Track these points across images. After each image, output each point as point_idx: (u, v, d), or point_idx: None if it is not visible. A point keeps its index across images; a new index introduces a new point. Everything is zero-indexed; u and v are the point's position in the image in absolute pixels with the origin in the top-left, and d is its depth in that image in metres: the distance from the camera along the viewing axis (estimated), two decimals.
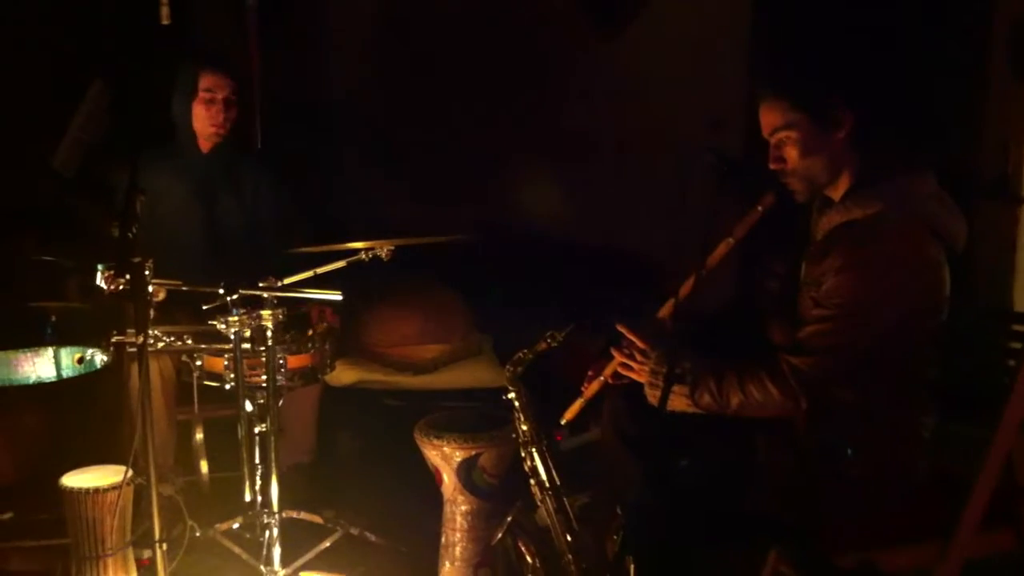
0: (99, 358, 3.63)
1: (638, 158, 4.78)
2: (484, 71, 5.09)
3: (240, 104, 3.79)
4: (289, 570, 3.06)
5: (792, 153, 2.56)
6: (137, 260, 2.64)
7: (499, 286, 4.47)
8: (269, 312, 2.99)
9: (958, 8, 3.89)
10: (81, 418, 3.62)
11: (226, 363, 3.17)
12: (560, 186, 4.94)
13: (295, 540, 3.21)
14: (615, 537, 2.46)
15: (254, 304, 3.00)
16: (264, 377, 3.07)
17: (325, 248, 3.27)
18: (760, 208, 2.62)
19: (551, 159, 4.98)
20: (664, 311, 2.75)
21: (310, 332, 3.27)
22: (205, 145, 3.79)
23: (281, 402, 3.18)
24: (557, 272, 4.65)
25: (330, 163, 5.20)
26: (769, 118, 2.59)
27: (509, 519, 2.68)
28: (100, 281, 2.85)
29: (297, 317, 3.20)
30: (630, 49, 4.86)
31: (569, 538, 2.61)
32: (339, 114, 5.30)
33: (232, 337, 3.00)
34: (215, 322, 2.99)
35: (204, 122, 3.73)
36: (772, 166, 2.60)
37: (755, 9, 4.51)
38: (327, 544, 3.29)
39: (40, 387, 3.62)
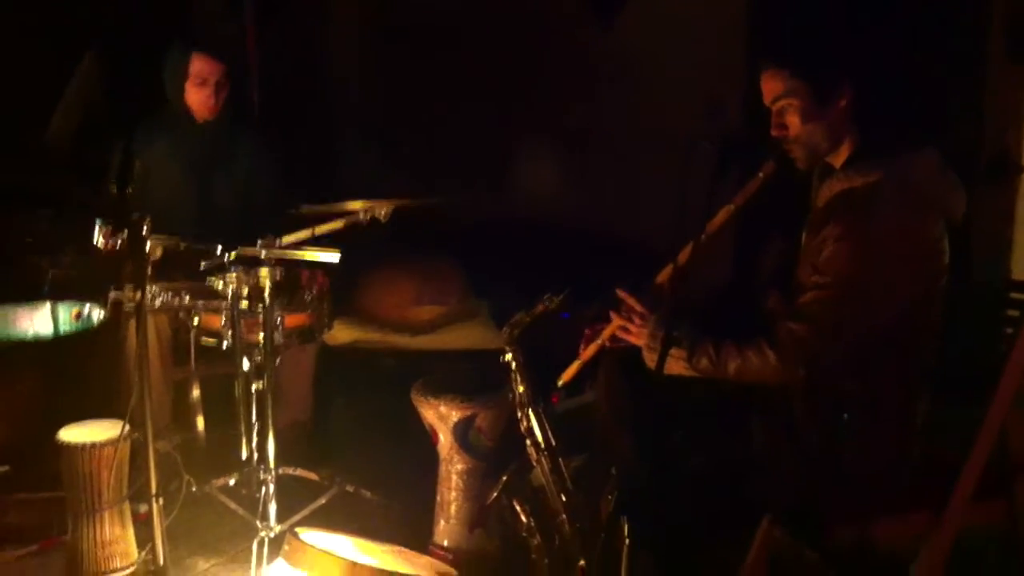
0: (96, 314, 3.64)
1: (636, 141, 4.77)
2: (483, 54, 5.08)
3: (232, 81, 3.76)
4: (284, 526, 3.08)
5: (794, 120, 2.56)
6: (135, 217, 2.64)
7: (498, 262, 4.47)
8: (266, 271, 2.99)
9: None
10: (78, 374, 3.63)
11: (223, 321, 3.17)
12: (558, 170, 4.93)
13: (291, 497, 3.23)
14: (609, 497, 2.48)
15: (252, 263, 3.00)
16: (261, 336, 3.08)
17: (324, 208, 3.27)
18: (761, 175, 2.62)
19: (550, 142, 4.97)
20: (663, 276, 2.76)
21: (301, 292, 3.27)
22: (199, 118, 3.77)
23: (278, 360, 3.19)
24: (553, 253, 4.65)
25: (327, 143, 5.19)
26: (770, 86, 2.59)
27: (504, 479, 2.70)
28: (98, 238, 2.85)
29: (287, 277, 3.19)
30: (628, 30, 4.84)
31: (564, 498, 2.62)
32: (336, 95, 5.29)
33: (229, 296, 3.01)
34: (212, 280, 3.00)
35: (197, 104, 3.72)
36: (774, 133, 2.59)
37: None
38: (323, 501, 3.31)
39: (38, 343, 3.63)
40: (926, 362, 2.58)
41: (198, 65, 3.67)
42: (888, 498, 2.52)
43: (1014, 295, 2.51)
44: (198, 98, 3.70)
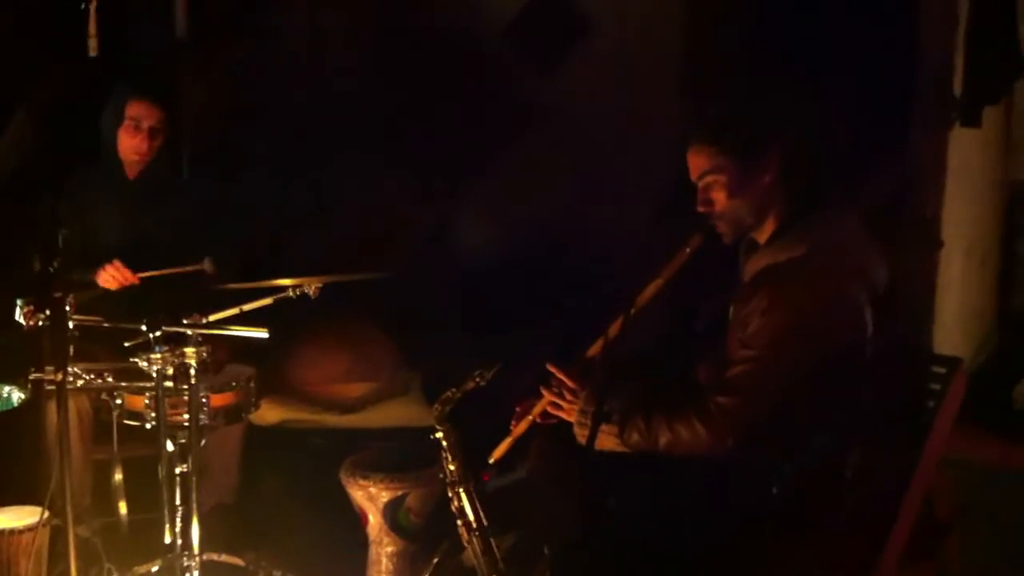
0: (16, 395, 3.54)
1: (574, 191, 4.79)
2: (416, 106, 5.09)
3: (167, 132, 3.78)
4: None
5: (719, 196, 2.60)
6: (58, 295, 2.59)
7: (429, 324, 4.45)
8: (192, 349, 2.94)
9: (883, 56, 3.99)
10: None
11: (147, 401, 3.11)
12: (492, 220, 4.93)
13: None
14: None
15: (177, 341, 2.95)
16: (186, 416, 3.02)
17: (252, 285, 3.24)
18: (688, 249, 2.65)
19: (485, 188, 4.97)
20: (593, 350, 2.76)
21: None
22: (131, 172, 3.78)
23: (203, 441, 3.13)
24: (487, 309, 4.63)
25: (262, 191, 5.14)
26: (697, 162, 2.63)
27: (435, 560, 2.66)
28: (19, 316, 2.78)
29: None
30: (566, 79, 4.88)
31: None
32: (268, 149, 5.25)
33: (154, 375, 2.95)
34: (136, 359, 2.94)
35: (127, 149, 3.73)
36: (700, 209, 2.63)
37: (686, 54, 4.57)
38: None
39: None
40: (850, 414, 2.59)
41: (135, 108, 3.69)
42: (817, 546, 2.52)
43: (936, 369, 2.56)
44: (131, 143, 3.70)
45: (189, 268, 3.61)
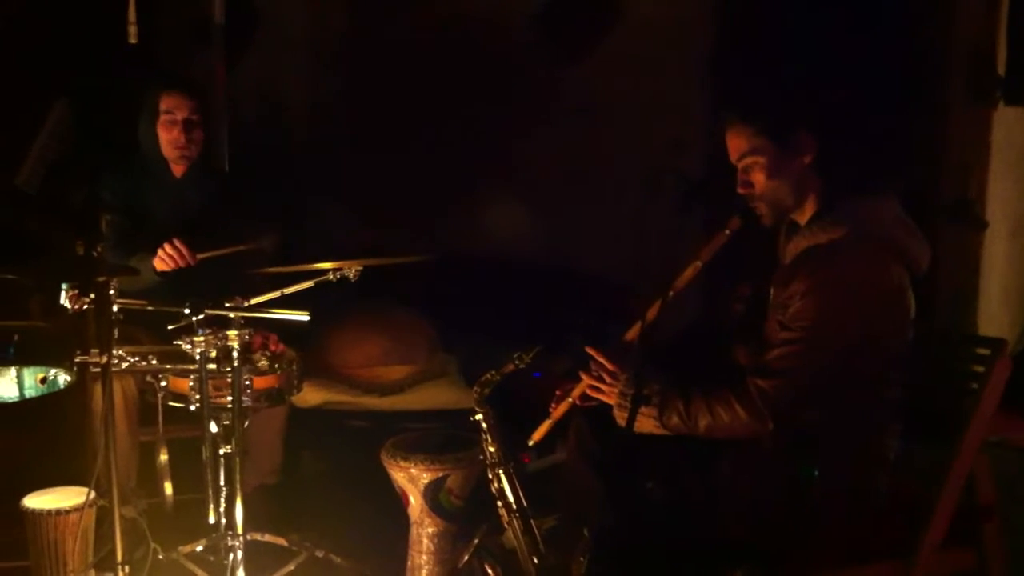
0: (62, 378, 3.59)
1: (599, 180, 4.79)
2: (445, 95, 5.10)
3: (206, 124, 3.76)
4: None
5: (759, 177, 2.59)
6: (102, 279, 2.62)
7: (464, 308, 4.46)
8: (235, 332, 2.97)
9: (917, 35, 3.95)
10: (44, 439, 3.58)
11: (191, 384, 3.14)
12: (522, 209, 4.95)
13: (259, 562, 3.18)
14: (581, 559, 2.46)
15: (220, 324, 2.98)
16: (230, 398, 3.05)
17: (293, 268, 3.26)
18: (727, 231, 2.64)
19: (513, 182, 4.99)
20: (631, 333, 2.76)
21: (252, 357, 3.24)
22: (177, 170, 3.76)
23: (247, 423, 3.16)
24: (520, 295, 4.65)
25: (291, 186, 5.17)
26: (736, 143, 2.62)
27: (475, 541, 2.67)
28: (64, 300, 2.82)
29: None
30: (591, 73, 4.88)
31: (535, 561, 2.60)
32: (298, 138, 5.28)
33: (198, 358, 2.98)
34: (180, 342, 2.97)
35: (168, 145, 3.70)
36: (740, 190, 2.63)
37: (718, 35, 4.55)
38: (292, 567, 3.26)
39: (2, 407, 3.58)
40: (892, 396, 2.59)
41: (167, 101, 3.67)
42: (855, 530, 2.53)
43: (979, 350, 2.53)
44: (169, 137, 3.68)
45: (245, 247, 3.61)
